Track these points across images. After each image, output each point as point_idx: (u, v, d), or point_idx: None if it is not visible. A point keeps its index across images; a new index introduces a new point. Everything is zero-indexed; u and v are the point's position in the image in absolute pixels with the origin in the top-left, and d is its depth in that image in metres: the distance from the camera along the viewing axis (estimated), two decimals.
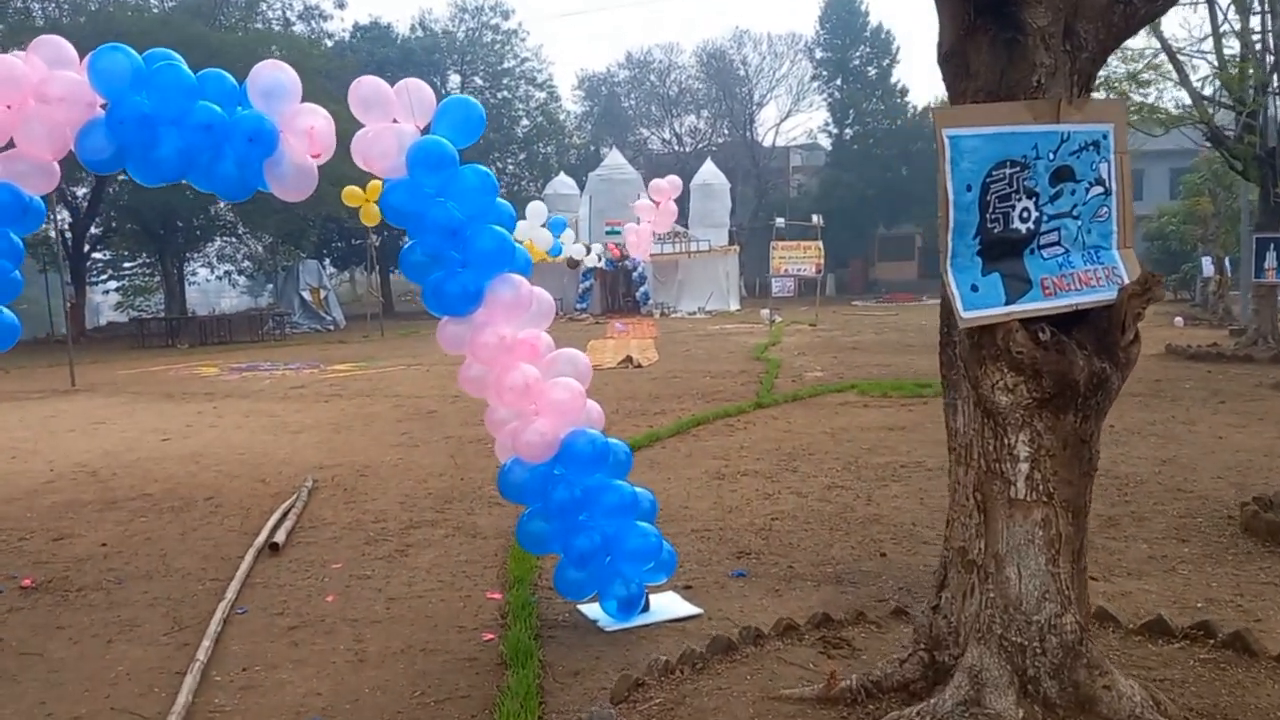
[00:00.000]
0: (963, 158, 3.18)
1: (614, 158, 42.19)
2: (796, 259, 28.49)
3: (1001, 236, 3.25)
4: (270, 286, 69.54)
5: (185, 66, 4.69)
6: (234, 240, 51.47)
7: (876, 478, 8.17)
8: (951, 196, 3.19)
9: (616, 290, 40.95)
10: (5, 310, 4.88)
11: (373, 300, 38.53)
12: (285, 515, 7.36)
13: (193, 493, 8.42)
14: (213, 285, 61.55)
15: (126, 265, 50.37)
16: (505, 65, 50.52)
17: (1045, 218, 3.30)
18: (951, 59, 3.42)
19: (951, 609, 3.61)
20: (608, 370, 17.50)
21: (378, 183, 14.64)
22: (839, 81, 51.97)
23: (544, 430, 4.85)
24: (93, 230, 37.38)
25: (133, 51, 4.64)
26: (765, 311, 31.76)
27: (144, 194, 36.72)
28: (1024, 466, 3.33)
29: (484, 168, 4.96)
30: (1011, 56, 3.27)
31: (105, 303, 55.06)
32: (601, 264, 37.36)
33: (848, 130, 52.28)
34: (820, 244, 28.57)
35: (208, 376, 18.79)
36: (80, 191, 37.74)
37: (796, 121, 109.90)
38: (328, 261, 48.00)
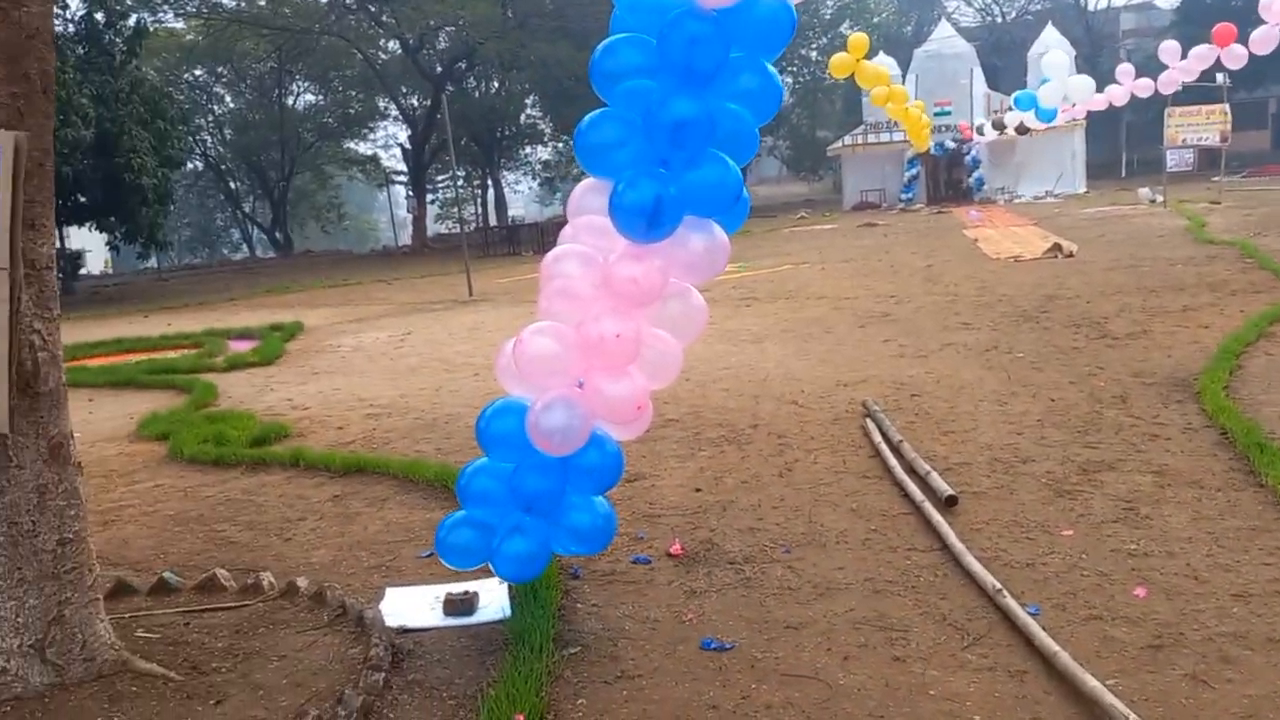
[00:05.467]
0: None
1: (943, 29, 38.40)
2: (1197, 127, 24.47)
3: None
4: (559, 196, 70.71)
5: None
6: (540, 146, 51.83)
7: None
8: None
9: (939, 177, 37.70)
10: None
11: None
12: (896, 450, 5.77)
13: (728, 419, 7.03)
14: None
15: (440, 178, 51.95)
16: None
17: None
18: None
19: None
20: (1042, 263, 15.01)
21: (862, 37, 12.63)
22: None
23: None
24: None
25: None
26: (1144, 190, 27.90)
27: (471, 103, 37.04)
28: None
29: None
30: None
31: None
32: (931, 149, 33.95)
33: None
34: (1226, 107, 24.41)
35: None
36: (414, 103, 38.55)
37: None
38: None
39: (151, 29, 27.85)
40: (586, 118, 3.50)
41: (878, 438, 6.11)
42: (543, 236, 29.40)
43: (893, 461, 5.58)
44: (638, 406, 3.52)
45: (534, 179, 56.79)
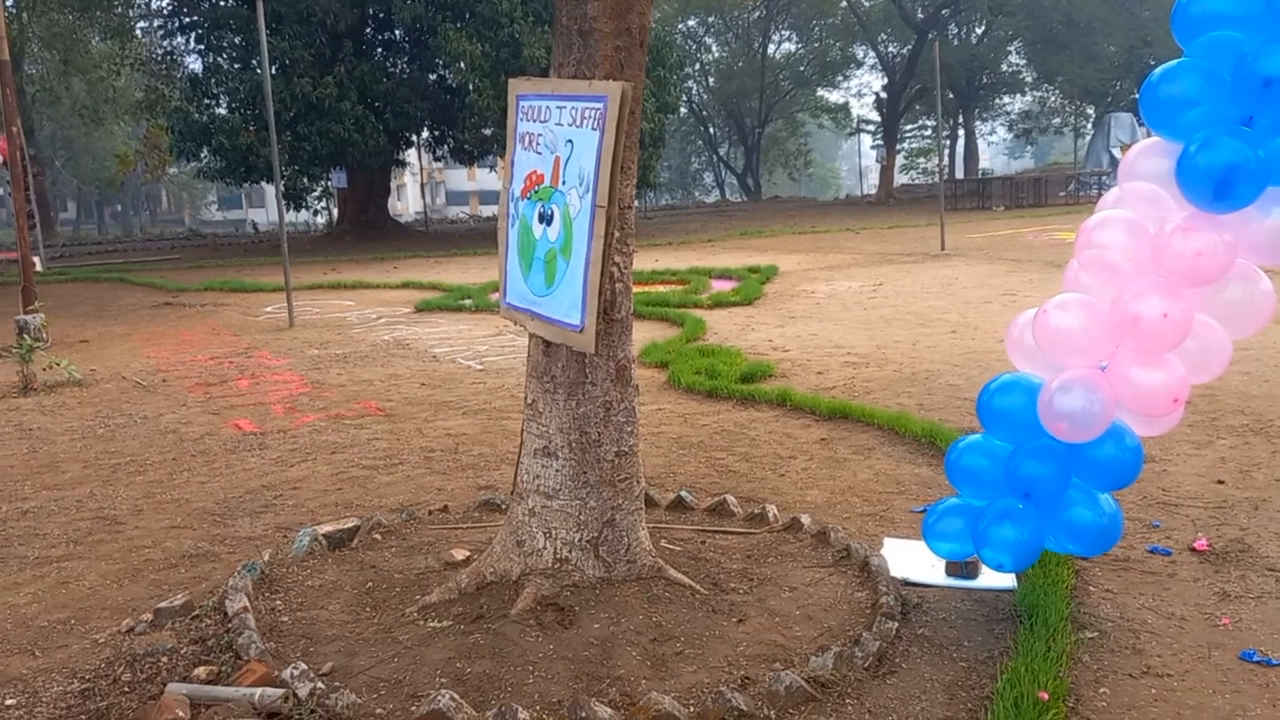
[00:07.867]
0: None
1: None
2: None
3: None
4: (1030, 148, 66.41)
5: None
6: (1019, 95, 49.28)
7: None
8: None
9: None
10: None
11: None
12: None
13: (1250, 406, 6.32)
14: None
15: (908, 127, 51.00)
16: None
17: None
18: None
19: None
20: None
21: None
22: None
23: None
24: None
25: None
26: None
27: (952, 51, 35.86)
28: None
29: None
30: None
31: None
32: None
33: None
34: None
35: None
36: (891, 50, 38.08)
37: None
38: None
39: None
40: (1160, 68, 3.23)
41: None
42: (1015, 191, 27.99)
43: None
44: (1174, 400, 3.23)
45: (1008, 130, 54.07)
